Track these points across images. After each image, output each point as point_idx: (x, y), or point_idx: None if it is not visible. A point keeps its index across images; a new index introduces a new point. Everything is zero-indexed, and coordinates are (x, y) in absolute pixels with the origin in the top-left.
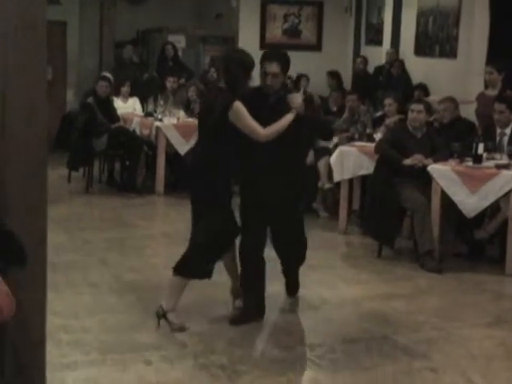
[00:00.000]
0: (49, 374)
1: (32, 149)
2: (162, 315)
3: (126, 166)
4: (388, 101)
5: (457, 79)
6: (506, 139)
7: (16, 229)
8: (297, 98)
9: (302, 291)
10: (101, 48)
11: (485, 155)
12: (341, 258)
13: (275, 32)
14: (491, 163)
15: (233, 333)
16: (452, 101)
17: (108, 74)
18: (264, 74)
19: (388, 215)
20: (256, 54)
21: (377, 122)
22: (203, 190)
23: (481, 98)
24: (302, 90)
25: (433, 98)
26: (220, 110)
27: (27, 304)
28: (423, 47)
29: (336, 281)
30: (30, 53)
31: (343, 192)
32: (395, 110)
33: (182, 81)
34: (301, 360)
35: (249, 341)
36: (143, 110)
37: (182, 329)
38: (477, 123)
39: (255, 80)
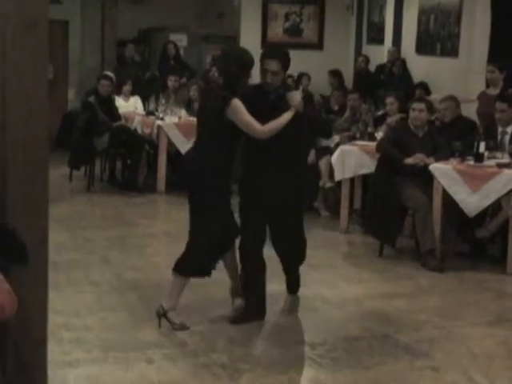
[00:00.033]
0: (50, 372)
1: (32, 149)
2: (162, 314)
3: (127, 164)
4: (389, 99)
5: (458, 78)
6: (507, 138)
7: (17, 228)
8: (296, 96)
9: (303, 290)
10: (102, 47)
11: (486, 154)
12: (342, 257)
13: (277, 31)
14: (492, 162)
15: (234, 331)
16: (453, 100)
17: (110, 73)
18: (264, 72)
19: (389, 214)
20: (257, 52)
21: (378, 121)
22: (203, 192)
23: (482, 96)
24: (301, 88)
25: (434, 96)
26: (218, 107)
27: (29, 303)
28: (424, 46)
29: (337, 280)
30: (30, 52)
31: (344, 191)
32: (397, 108)
33: (184, 80)
34: (302, 359)
35: (250, 339)
36: (145, 109)
37: (183, 328)
38: (478, 122)
39: (255, 78)
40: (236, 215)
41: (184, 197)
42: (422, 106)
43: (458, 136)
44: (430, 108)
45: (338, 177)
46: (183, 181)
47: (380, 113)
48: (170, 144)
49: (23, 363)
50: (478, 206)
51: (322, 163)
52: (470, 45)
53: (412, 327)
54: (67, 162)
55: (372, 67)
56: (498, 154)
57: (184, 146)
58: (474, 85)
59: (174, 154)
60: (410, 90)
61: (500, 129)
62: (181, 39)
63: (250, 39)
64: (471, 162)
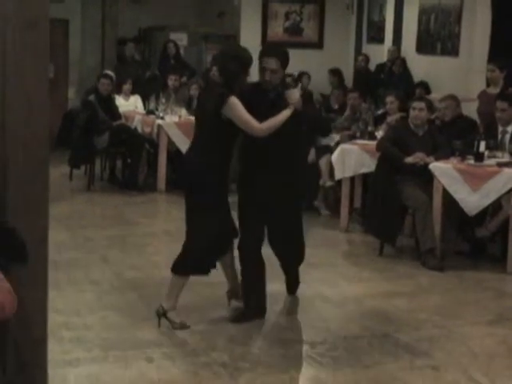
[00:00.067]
0: (51, 371)
1: (33, 147)
2: (162, 314)
3: (127, 163)
4: (389, 99)
5: (458, 77)
6: (507, 137)
7: (17, 227)
8: (294, 94)
9: (303, 289)
10: (103, 46)
11: (486, 153)
12: (342, 256)
13: (277, 30)
14: (493, 161)
15: (234, 330)
16: (454, 99)
17: (110, 72)
18: (263, 70)
19: (389, 213)
20: (258, 51)
21: (378, 120)
22: (201, 191)
23: (482, 95)
24: (299, 86)
25: (434, 95)
26: (215, 105)
27: (29, 302)
28: (425, 45)
29: (337, 279)
30: (31, 52)
31: (345, 190)
32: (397, 107)
33: (184, 79)
34: (302, 358)
35: (250, 338)
36: (145, 108)
37: (183, 327)
38: (478, 121)
39: (254, 76)
40: (234, 214)
41: (184, 196)
42: (422, 105)
43: (458, 135)
44: (430, 107)
45: (338, 176)
46: (182, 180)
47: (380, 112)
48: (171, 143)
49: (23, 362)
50: (478, 205)
51: (323, 162)
52: (471, 44)
53: (412, 326)
54: (67, 160)
55: (372, 66)
56: (499, 153)
57: (184, 145)
58: (474, 84)
59: (174, 153)
60: (410, 89)
61: (500, 128)
62: (181, 38)
63: (250, 38)
64: (471, 161)
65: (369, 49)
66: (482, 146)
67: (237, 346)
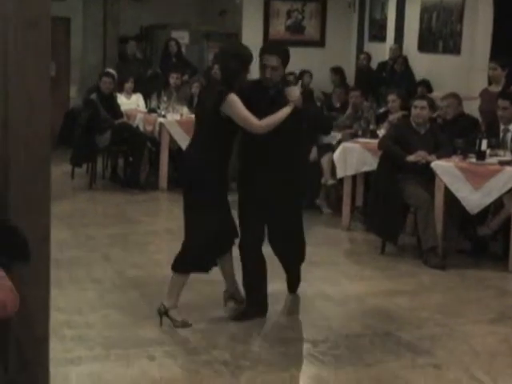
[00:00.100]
0: (52, 370)
1: (34, 146)
2: (163, 313)
3: (129, 162)
4: (391, 97)
5: (460, 75)
6: (509, 135)
7: (19, 225)
8: (294, 91)
9: (304, 287)
10: (104, 44)
11: (488, 151)
12: (344, 254)
13: (279, 28)
14: (494, 160)
15: (235, 329)
16: (455, 97)
17: (111, 71)
18: (263, 67)
19: (391, 212)
20: (259, 50)
21: (380, 119)
22: (200, 188)
23: (484, 94)
24: (299, 83)
25: (436, 94)
26: (214, 102)
27: (31, 300)
28: (427, 43)
29: (339, 277)
30: (32, 51)
31: (346, 188)
32: (398, 106)
33: (186, 77)
34: (304, 356)
35: (251, 337)
36: (146, 107)
37: (184, 325)
38: (480, 119)
39: (254, 74)
40: (235, 213)
41: None
42: (424, 103)
43: (459, 133)
44: (432, 105)
45: (339, 174)
46: (182, 176)
47: (382, 110)
48: (172, 141)
49: (25, 361)
50: (480, 204)
51: (324, 160)
52: (472, 42)
53: (414, 325)
54: (69, 159)
55: (374, 64)
56: (500, 152)
57: (186, 143)
58: (476, 82)
59: (175, 152)
60: (411, 87)
61: (502, 126)
62: (183, 36)
63: (252, 36)
64: (473, 160)
65: (371, 47)
66: (484, 144)
67: (238, 345)
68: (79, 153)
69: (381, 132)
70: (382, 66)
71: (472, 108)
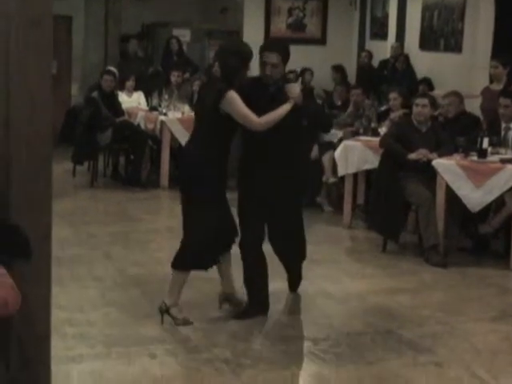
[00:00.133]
0: (54, 368)
1: (36, 144)
2: (165, 311)
3: (130, 160)
4: (393, 95)
5: (462, 73)
6: (510, 134)
7: (21, 223)
8: (295, 88)
9: (305, 285)
10: (106, 42)
11: (489, 150)
12: (345, 252)
13: (280, 26)
14: (496, 158)
15: (236, 327)
16: (457, 95)
17: (113, 69)
18: (263, 65)
19: (393, 210)
20: None
21: (381, 117)
22: (200, 185)
23: (486, 92)
24: (299, 80)
25: (437, 92)
26: (213, 100)
27: (32, 298)
28: (428, 41)
29: (340, 275)
30: (34, 49)
31: (348, 186)
32: (400, 104)
33: (187, 75)
34: (305, 354)
35: (252, 335)
36: (148, 105)
37: (186, 323)
38: (482, 118)
39: (255, 71)
40: (234, 211)
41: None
42: (426, 101)
43: (461, 131)
44: (434, 103)
45: (341, 172)
46: (182, 173)
47: (383, 108)
48: (174, 139)
49: (27, 358)
50: (482, 202)
51: (326, 158)
52: (474, 40)
53: (415, 323)
54: (70, 157)
55: (375, 62)
56: (502, 150)
57: None
58: (477, 80)
59: (177, 150)
60: (413, 85)
61: (503, 124)
62: (184, 34)
63: (253, 34)
64: (474, 158)
65: (372, 45)
66: (485, 142)
67: (239, 343)
68: (80, 151)
69: (382, 130)
70: (384, 64)
71: (473, 106)
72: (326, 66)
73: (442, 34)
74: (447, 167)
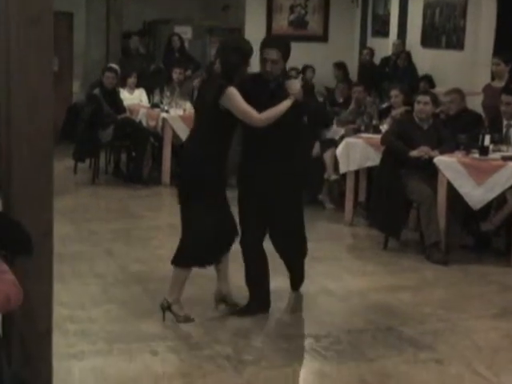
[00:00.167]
0: (55, 364)
1: (37, 141)
2: (166, 307)
3: (132, 157)
4: (394, 92)
5: (463, 71)
6: None
7: (22, 221)
8: (295, 84)
9: (307, 283)
10: (107, 39)
11: (491, 147)
12: (346, 249)
13: (282, 23)
14: (497, 155)
15: (238, 324)
16: (458, 92)
17: (114, 66)
18: (264, 61)
19: (394, 207)
20: None
21: (383, 114)
22: (199, 181)
23: (487, 89)
24: (300, 77)
25: (439, 89)
26: (213, 96)
27: (34, 295)
28: (430, 38)
29: (342, 272)
30: (35, 47)
31: (349, 184)
32: (401, 101)
33: (189, 72)
34: (306, 351)
35: (254, 332)
36: (149, 102)
37: (187, 320)
38: (483, 115)
39: (254, 67)
40: (235, 209)
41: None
42: (427, 98)
43: (462, 129)
44: (435, 101)
45: (342, 169)
46: (182, 170)
47: (385, 105)
48: (175, 136)
49: (28, 355)
50: (483, 199)
51: (327, 156)
52: (476, 37)
53: (416, 320)
54: (72, 154)
55: (377, 60)
56: (503, 147)
57: None
58: (479, 77)
59: (178, 147)
60: (414, 82)
61: (505, 121)
62: (185, 31)
63: (255, 32)
64: (476, 155)
65: (373, 42)
66: (487, 139)
67: (240, 340)
68: (82, 148)
69: (384, 127)
70: (385, 61)
71: (475, 103)
72: (327, 63)
73: (444, 31)
74: (449, 164)
